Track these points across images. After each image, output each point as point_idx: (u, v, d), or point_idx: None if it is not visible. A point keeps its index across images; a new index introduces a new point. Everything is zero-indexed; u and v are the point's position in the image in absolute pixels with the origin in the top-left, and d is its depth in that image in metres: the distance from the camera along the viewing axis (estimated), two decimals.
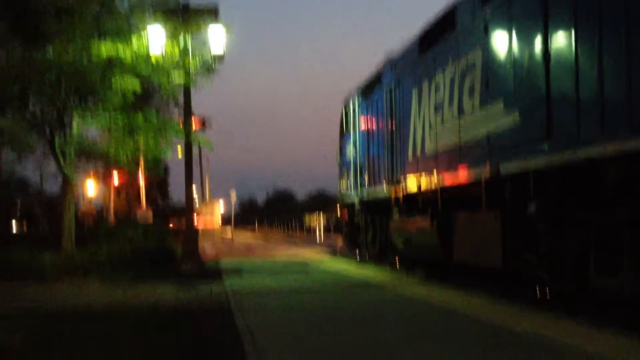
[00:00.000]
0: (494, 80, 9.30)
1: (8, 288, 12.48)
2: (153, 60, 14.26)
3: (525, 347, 6.10)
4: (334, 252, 23.13)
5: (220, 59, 15.20)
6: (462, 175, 10.32)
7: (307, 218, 53.13)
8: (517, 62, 8.61)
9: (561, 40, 7.53)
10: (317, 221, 39.96)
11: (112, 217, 37.71)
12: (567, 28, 7.38)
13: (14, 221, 41.12)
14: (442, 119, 11.21)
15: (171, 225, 34.01)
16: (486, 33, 9.48)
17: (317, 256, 21.47)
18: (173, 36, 14.65)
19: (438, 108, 11.42)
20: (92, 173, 37.08)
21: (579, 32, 7.16)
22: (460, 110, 10.42)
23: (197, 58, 15.52)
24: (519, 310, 8.18)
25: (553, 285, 8.30)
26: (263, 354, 6.04)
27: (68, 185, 17.17)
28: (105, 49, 13.76)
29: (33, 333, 6.50)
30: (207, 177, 52.05)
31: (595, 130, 6.81)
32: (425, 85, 12.09)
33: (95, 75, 14.29)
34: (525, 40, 8.37)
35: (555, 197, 7.81)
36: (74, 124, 16.97)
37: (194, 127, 18.12)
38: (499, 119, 9.00)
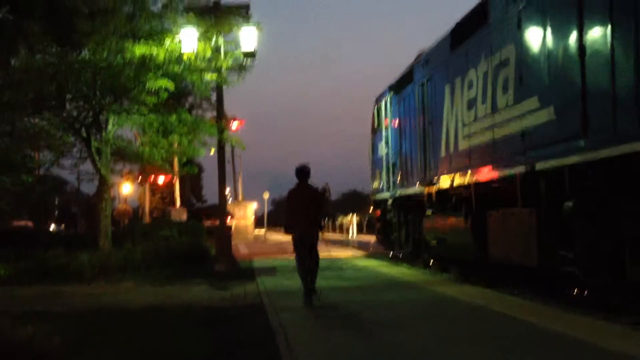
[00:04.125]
0: (528, 75, 9.16)
1: (47, 290, 12.69)
2: (185, 59, 14.38)
3: (558, 347, 6.00)
4: (367, 251, 23.08)
5: (251, 56, 15.28)
6: (496, 172, 10.20)
7: (340, 218, 53.15)
8: (551, 56, 8.47)
9: (596, 33, 7.39)
10: (350, 220, 39.95)
11: (147, 216, 38.20)
12: (602, 20, 7.25)
13: (52, 222, 41.88)
14: (475, 116, 11.09)
15: (205, 223, 34.30)
16: (519, 27, 9.35)
17: (350, 255, 21.44)
18: (205, 35, 14.76)
19: (471, 104, 11.30)
20: (127, 173, 37.63)
21: (614, 24, 7.02)
22: (494, 107, 10.30)
23: (229, 56, 15.61)
24: (553, 309, 8.06)
25: (588, 282, 8.15)
26: (296, 354, 6.04)
27: (104, 185, 17.41)
28: (138, 49, 13.92)
29: (70, 334, 6.60)
30: (240, 177, 52.43)
31: (632, 125, 6.67)
32: (457, 81, 11.97)
33: (129, 75, 14.47)
34: (560, 34, 8.24)
35: (592, 192, 7.67)
36: (109, 124, 17.22)
37: (230, 127, 18.24)
38: (534, 115, 8.88)
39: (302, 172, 9.96)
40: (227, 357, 6.26)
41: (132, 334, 7.46)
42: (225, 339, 7.15)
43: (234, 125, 24.77)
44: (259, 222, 52.88)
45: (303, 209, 9.71)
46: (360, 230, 38.78)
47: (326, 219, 9.76)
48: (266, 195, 45.31)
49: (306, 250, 9.70)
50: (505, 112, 9.85)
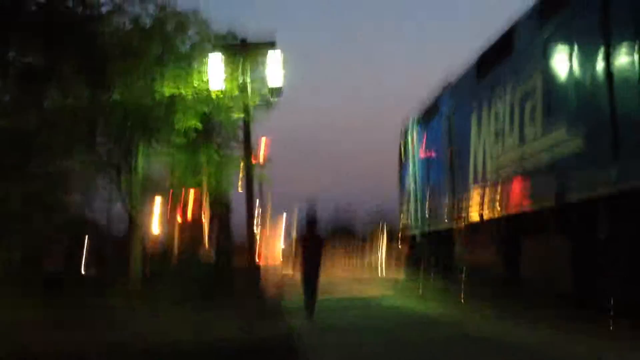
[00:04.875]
0: (555, 104, 9.08)
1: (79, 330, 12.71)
2: (213, 96, 14.57)
3: None
4: (396, 288, 22.80)
5: (278, 91, 15.43)
6: (527, 203, 10.07)
7: (368, 256, 52.84)
8: (579, 84, 8.40)
9: (624, 59, 7.32)
10: (379, 254, 39.64)
11: (175, 255, 38.25)
12: (629, 45, 7.19)
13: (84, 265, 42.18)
14: (503, 146, 11.00)
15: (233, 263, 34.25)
16: (545, 55, 9.31)
17: (379, 290, 21.20)
18: (232, 73, 14.94)
19: (498, 135, 11.22)
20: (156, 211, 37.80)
21: None
22: (522, 137, 10.20)
23: (256, 94, 15.78)
24: (599, 341, 7.81)
25: (628, 311, 7.93)
26: None
27: (134, 225, 17.53)
28: (167, 89, 14.15)
29: None
30: (268, 206, 52.31)
31: None
32: (484, 111, 11.91)
33: (158, 114, 14.69)
34: (587, 60, 8.18)
35: (626, 220, 7.50)
36: (139, 165, 17.42)
37: (255, 161, 18.35)
38: (563, 144, 8.77)
39: (310, 222, 13.03)
40: None
41: None
42: None
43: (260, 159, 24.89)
44: (287, 250, 52.48)
45: (309, 254, 12.86)
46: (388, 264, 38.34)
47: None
48: (294, 233, 45.21)
49: (310, 282, 12.82)
50: (534, 143, 9.74)
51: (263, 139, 25.54)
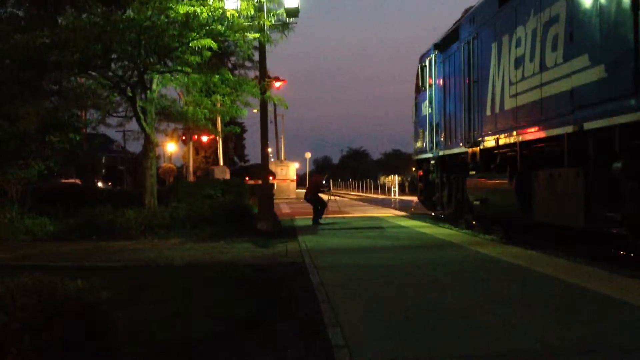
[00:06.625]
0: (578, 32, 8.88)
1: (95, 246, 13.02)
2: (228, 16, 14.32)
3: (605, 309, 5.92)
4: (408, 211, 23.02)
5: (294, 13, 15.12)
6: (543, 131, 10.00)
7: (381, 178, 53.16)
8: (603, 12, 8.18)
9: None
10: (392, 181, 39.81)
11: (191, 175, 38.71)
12: None
13: (99, 180, 42.66)
14: (523, 74, 10.84)
15: (247, 182, 34.65)
16: None
17: (391, 215, 21.42)
18: None
19: (518, 63, 11.04)
20: (171, 132, 38.06)
21: None
22: (542, 65, 10.04)
23: (272, 14, 15.50)
24: (600, 271, 7.93)
25: (637, 243, 7.99)
26: (338, 312, 6.08)
27: (149, 143, 17.63)
28: (182, 7, 13.91)
29: (118, 288, 6.76)
30: (282, 137, 52.54)
31: None
32: (505, 39, 11.69)
33: (172, 34, 14.49)
34: None
35: None
36: (154, 83, 17.35)
37: (273, 86, 18.23)
38: (584, 73, 8.63)
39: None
40: (269, 313, 6.34)
41: (177, 289, 7.62)
42: (267, 296, 7.24)
43: (277, 84, 24.69)
44: (301, 182, 53.11)
45: (312, 186, 18.79)
46: (402, 190, 38.57)
47: (328, 190, 23.56)
48: (308, 155, 45.41)
49: (315, 204, 18.14)
50: (554, 71, 9.60)
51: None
